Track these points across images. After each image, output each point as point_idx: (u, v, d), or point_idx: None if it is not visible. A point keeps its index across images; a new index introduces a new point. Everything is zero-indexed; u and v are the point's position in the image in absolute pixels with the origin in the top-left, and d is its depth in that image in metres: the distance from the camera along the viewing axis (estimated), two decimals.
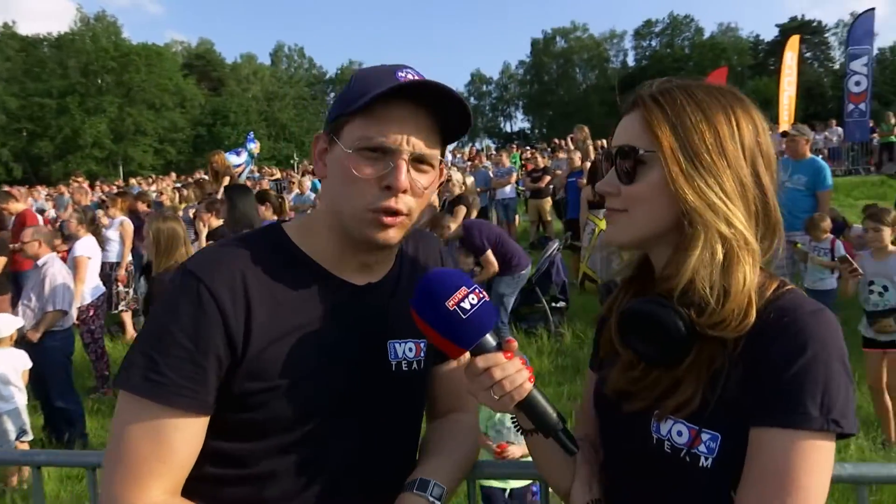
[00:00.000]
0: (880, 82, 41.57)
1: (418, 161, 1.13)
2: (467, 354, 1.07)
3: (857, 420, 0.96)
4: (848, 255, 4.84)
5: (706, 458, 1.00)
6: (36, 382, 5.17)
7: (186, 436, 1.06)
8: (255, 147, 11.51)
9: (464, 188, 8.80)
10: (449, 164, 14.93)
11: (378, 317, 1.21)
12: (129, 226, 8.76)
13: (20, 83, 51.24)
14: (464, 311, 1.03)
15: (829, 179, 6.44)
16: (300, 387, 1.12)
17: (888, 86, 49.67)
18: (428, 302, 1.05)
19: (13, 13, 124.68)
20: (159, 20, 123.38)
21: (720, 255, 0.98)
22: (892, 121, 18.29)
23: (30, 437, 4.72)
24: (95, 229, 7.85)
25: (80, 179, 16.70)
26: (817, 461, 0.93)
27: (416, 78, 1.12)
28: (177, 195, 11.35)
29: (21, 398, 4.58)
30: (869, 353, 4.56)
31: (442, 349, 1.09)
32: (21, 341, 4.89)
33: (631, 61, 68.95)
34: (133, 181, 23.79)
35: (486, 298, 1.06)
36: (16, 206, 8.92)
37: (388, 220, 1.12)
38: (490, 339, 1.06)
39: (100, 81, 53.29)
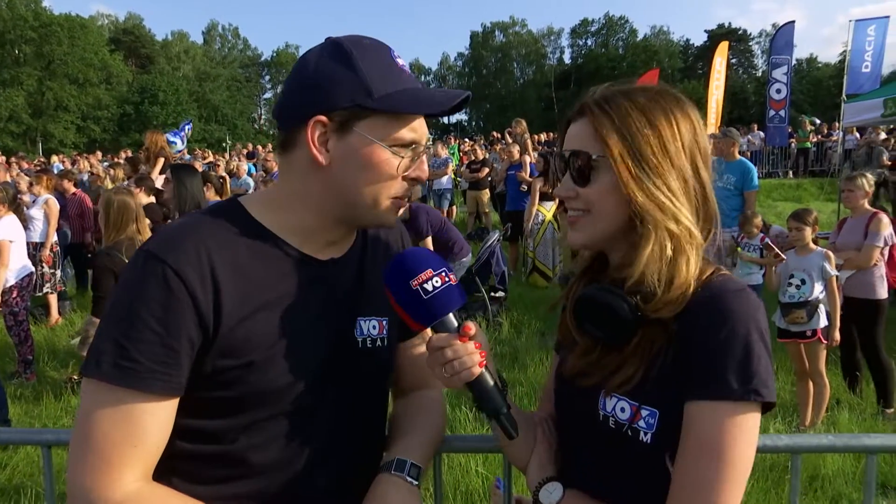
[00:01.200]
0: (797, 91, 43.83)
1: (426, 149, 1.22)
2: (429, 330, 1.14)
3: (774, 390, 1.04)
4: (771, 243, 5.13)
5: (645, 434, 1.08)
6: None
7: (159, 420, 1.06)
8: (189, 130, 11.26)
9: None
10: None
11: (344, 293, 1.24)
12: (55, 204, 8.37)
13: None
14: (426, 291, 1.10)
15: (756, 180, 6.83)
16: (272, 362, 1.13)
17: (804, 95, 52.53)
18: (396, 276, 1.12)
19: None
20: None
21: (669, 251, 1.07)
22: (809, 128, 19.39)
23: None
24: (17, 208, 7.47)
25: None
26: (741, 430, 1.00)
27: (404, 65, 1.18)
28: (107, 176, 10.91)
29: None
30: (787, 344, 4.87)
31: (404, 321, 1.16)
32: None
33: (567, 58, 70.40)
34: (55, 158, 22.62)
35: (452, 283, 1.13)
36: None
37: (402, 203, 1.21)
38: (452, 319, 1.12)
39: (17, 52, 50.15)
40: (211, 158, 20.96)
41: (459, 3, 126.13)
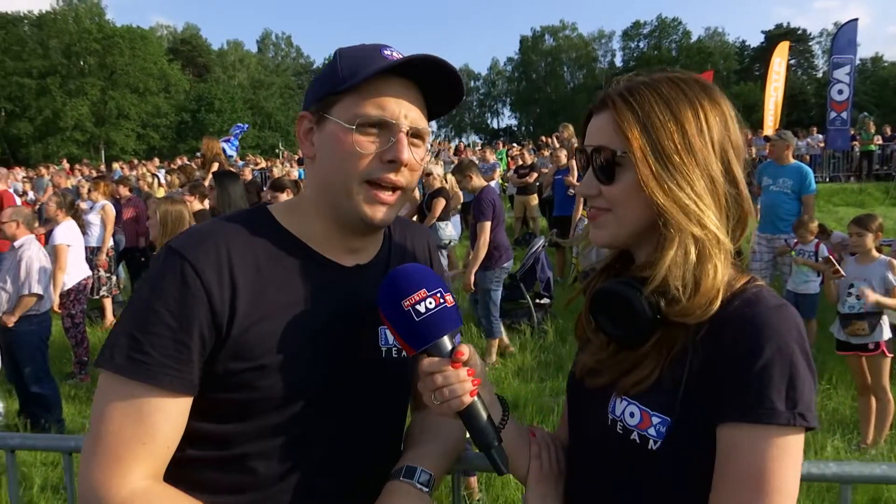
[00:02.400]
0: (860, 92, 42.16)
1: (414, 135, 1.15)
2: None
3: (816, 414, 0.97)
4: (831, 257, 4.90)
5: (655, 442, 1.01)
6: (11, 367, 5.08)
7: (169, 416, 1.05)
8: (243, 131, 11.52)
9: (444, 183, 8.78)
10: (432, 159, 14.95)
11: (368, 301, 1.19)
12: (111, 210, 8.65)
13: None
14: (418, 313, 1.04)
15: (813, 184, 6.56)
16: (285, 367, 1.10)
17: (867, 96, 50.43)
18: (388, 297, 1.07)
19: None
20: (144, 3, 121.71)
21: (693, 256, 1.00)
22: (872, 129, 18.56)
23: (2, 420, 4.64)
24: (75, 213, 7.72)
25: (63, 163, 16.38)
26: (788, 456, 0.94)
27: (403, 56, 1.13)
28: (155, 180, 11.23)
29: None
30: (848, 357, 4.63)
31: (399, 344, 1.10)
32: None
33: (619, 62, 69.34)
34: (116, 165, 23.43)
35: (447, 304, 1.07)
36: None
37: (384, 196, 1.13)
38: (446, 343, 1.07)
39: (82, 63, 52.35)
40: (263, 165, 21.39)
41: (509, 9, 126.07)
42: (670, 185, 1.00)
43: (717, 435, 0.97)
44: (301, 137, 1.19)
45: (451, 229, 8.38)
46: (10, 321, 5.00)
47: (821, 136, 19.88)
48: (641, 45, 67.91)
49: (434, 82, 1.16)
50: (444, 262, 8.38)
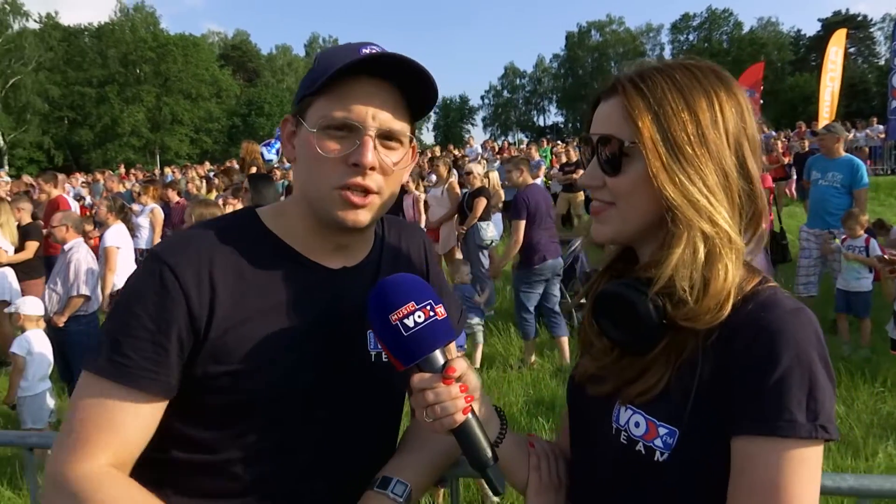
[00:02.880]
0: None
1: (386, 137, 1.11)
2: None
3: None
4: (886, 255, 4.68)
5: (661, 453, 0.95)
6: (63, 366, 5.28)
7: (141, 416, 1.05)
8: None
9: (485, 181, 8.72)
10: (477, 157, 14.81)
11: (356, 304, 1.17)
12: (160, 213, 8.91)
13: (62, 72, 52.49)
14: (406, 327, 1.00)
15: (865, 178, 6.28)
16: (265, 371, 1.09)
17: None
18: (376, 310, 1.04)
19: (56, 4, 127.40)
20: (197, 11, 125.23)
21: (702, 254, 0.94)
22: None
23: (54, 417, 4.82)
24: (125, 217, 7.98)
25: (120, 168, 16.97)
26: (807, 471, 0.88)
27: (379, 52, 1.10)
28: (204, 184, 11.52)
29: None
30: None
31: (389, 359, 1.06)
32: (48, 325, 5.00)
33: (668, 55, 67.67)
34: (168, 170, 24.15)
35: (438, 317, 1.02)
36: (51, 191, 9.14)
37: (356, 199, 1.09)
38: (438, 357, 1.03)
39: (138, 71, 54.20)
40: None
41: (554, 5, 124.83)
42: (681, 177, 0.94)
43: (731, 447, 0.91)
44: (284, 141, 1.19)
45: (492, 229, 8.30)
46: (60, 321, 5.19)
47: (881, 127, 19.00)
48: (691, 37, 66.39)
49: (412, 83, 1.11)
50: (486, 261, 8.33)
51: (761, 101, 16.76)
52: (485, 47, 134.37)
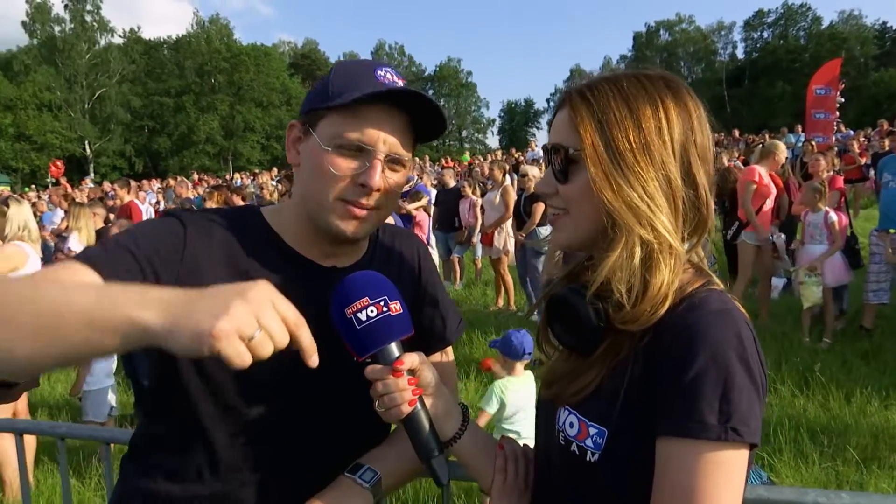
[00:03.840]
0: None
1: (392, 161, 1.17)
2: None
3: (759, 429, 0.89)
4: None
5: (592, 454, 0.97)
6: (127, 362, 5.53)
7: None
8: None
9: None
10: (539, 159, 14.67)
11: None
12: None
13: (143, 84, 55.30)
14: (358, 321, 1.06)
15: None
16: None
17: None
18: (334, 304, 1.09)
19: (138, 19, 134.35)
20: (269, 22, 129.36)
21: (637, 258, 0.95)
22: None
23: (116, 411, 5.06)
24: None
25: (194, 175, 17.73)
26: (720, 474, 0.87)
27: (396, 80, 1.17)
28: (276, 190, 11.90)
29: None
30: None
31: (347, 350, 1.11)
32: None
33: (740, 53, 65.68)
34: (238, 175, 25.04)
35: (391, 312, 1.08)
36: (124, 196, 9.62)
37: (357, 211, 1.16)
38: (393, 350, 1.08)
39: (213, 81, 56.45)
40: None
41: (621, 5, 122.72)
42: (620, 183, 0.95)
43: (656, 450, 0.91)
44: (289, 145, 1.24)
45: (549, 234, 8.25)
46: None
47: None
48: (765, 34, 63.90)
49: (421, 110, 1.17)
50: (541, 267, 8.25)
51: (842, 99, 15.94)
52: (549, 49, 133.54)
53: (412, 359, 1.08)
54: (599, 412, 0.97)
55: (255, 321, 0.85)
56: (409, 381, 1.08)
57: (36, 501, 4.15)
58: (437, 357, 1.38)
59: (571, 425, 1.01)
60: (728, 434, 0.86)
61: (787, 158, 10.39)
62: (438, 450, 1.11)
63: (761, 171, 6.87)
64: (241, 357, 0.83)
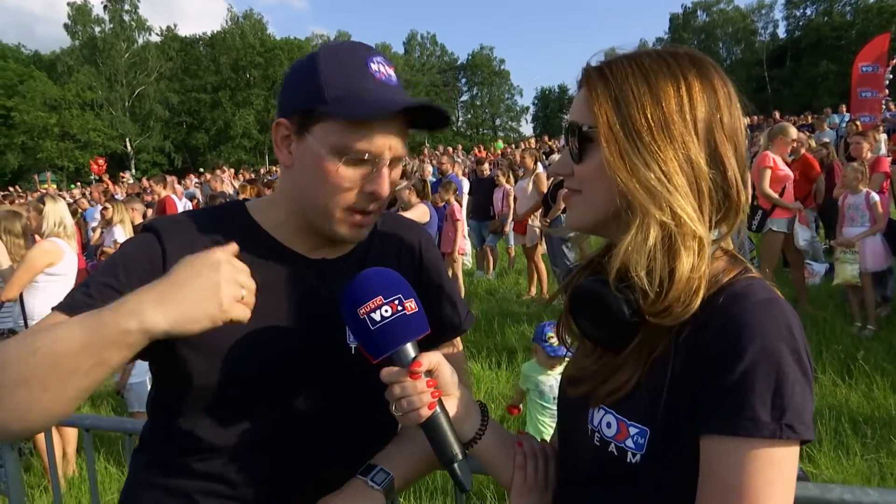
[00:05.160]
0: None
1: (395, 163, 1.15)
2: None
3: (812, 424, 0.84)
4: None
5: (633, 454, 0.91)
6: None
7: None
8: None
9: None
10: (559, 149, 14.46)
11: (333, 295, 1.17)
12: None
13: (180, 80, 56.41)
14: (373, 321, 1.02)
15: None
16: (236, 350, 1.12)
17: None
18: (346, 303, 1.05)
19: (174, 17, 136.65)
20: (302, 15, 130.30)
21: (652, 241, 0.89)
22: None
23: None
24: None
25: (224, 169, 18.01)
26: (775, 473, 0.82)
27: (389, 72, 1.13)
28: None
29: None
30: None
31: (363, 352, 1.07)
32: None
33: (782, 33, 63.73)
34: (274, 168, 25.33)
35: (406, 311, 1.03)
36: (160, 192, 9.80)
37: (362, 219, 1.15)
38: (409, 351, 1.03)
39: (248, 76, 57.22)
40: (409, 163, 22.04)
41: None
42: (636, 162, 0.89)
43: (700, 446, 0.86)
44: (277, 143, 1.17)
45: None
46: None
47: None
48: (808, 12, 61.82)
49: (424, 113, 1.13)
50: (570, 255, 8.17)
51: (891, 76, 15.35)
52: (584, 33, 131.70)
53: (430, 359, 1.04)
54: (640, 411, 0.91)
55: (237, 283, 0.97)
56: (428, 383, 1.03)
57: (79, 488, 4.28)
58: (445, 349, 1.34)
59: (609, 425, 0.95)
60: (783, 431, 0.81)
61: (830, 140, 10.07)
62: (462, 454, 1.05)
63: (774, 157, 6.60)
64: (245, 314, 0.98)
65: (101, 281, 1.09)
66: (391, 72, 1.14)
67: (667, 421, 0.88)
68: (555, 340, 3.41)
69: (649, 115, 0.90)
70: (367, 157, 1.09)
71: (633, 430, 0.91)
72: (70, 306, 1.05)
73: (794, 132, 6.90)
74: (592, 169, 0.96)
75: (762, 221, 6.72)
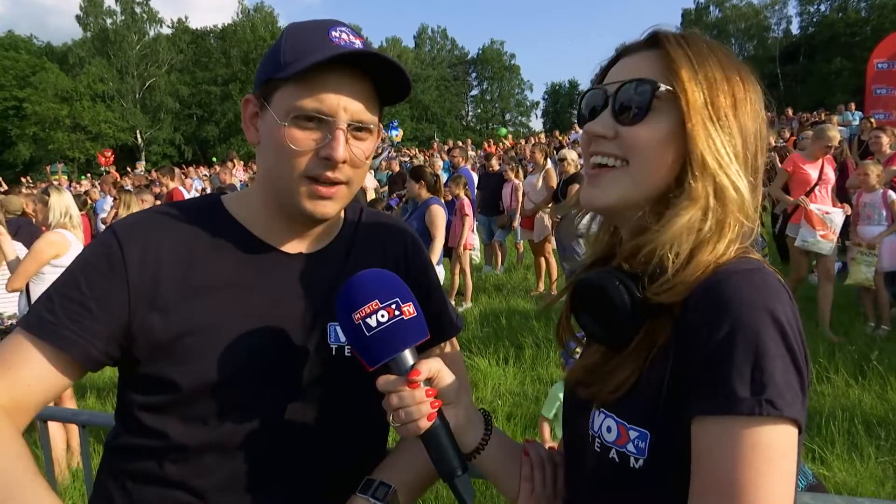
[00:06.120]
0: None
1: (356, 129, 1.08)
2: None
3: (800, 405, 0.77)
4: None
5: (636, 460, 0.85)
6: None
7: (48, 371, 1.03)
8: (397, 135, 11.83)
9: (580, 167, 8.47)
10: (568, 145, 14.46)
11: (316, 293, 1.13)
12: None
13: (191, 73, 56.49)
14: (368, 327, 0.96)
15: None
16: (210, 350, 1.07)
17: None
18: (341, 307, 1.00)
19: (185, 9, 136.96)
20: (313, 8, 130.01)
21: (710, 223, 0.85)
22: None
23: None
24: None
25: (234, 161, 17.99)
26: (762, 459, 0.75)
27: (352, 40, 1.06)
28: None
29: None
30: None
31: (358, 359, 1.01)
32: None
33: (795, 29, 63.10)
34: None
35: (405, 316, 0.97)
36: (169, 184, 9.82)
37: (324, 190, 1.08)
38: (407, 358, 0.98)
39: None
40: (419, 157, 21.96)
41: None
42: (716, 141, 0.87)
43: (691, 434, 0.80)
44: (246, 122, 1.14)
45: (587, 218, 8.05)
46: None
47: None
48: (822, 7, 61.14)
49: (382, 71, 1.07)
50: (580, 250, 8.10)
51: None
52: (593, 29, 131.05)
53: (429, 366, 0.98)
54: (639, 412, 0.86)
55: None
56: (427, 392, 0.97)
57: (83, 481, 4.26)
58: (444, 348, 1.30)
59: (609, 430, 0.89)
60: (763, 407, 0.74)
61: (843, 138, 9.92)
62: (462, 468, 1.00)
63: (798, 158, 6.44)
64: None
65: (65, 294, 1.05)
66: (357, 41, 1.07)
67: (667, 420, 0.83)
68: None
69: (727, 97, 0.89)
70: (318, 115, 1.03)
71: (633, 434, 0.86)
72: (37, 327, 1.03)
73: (832, 134, 6.50)
74: (653, 134, 0.89)
75: (783, 225, 6.63)
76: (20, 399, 1.03)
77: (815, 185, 6.30)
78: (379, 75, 1.08)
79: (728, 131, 0.88)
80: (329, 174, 1.06)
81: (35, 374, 1.03)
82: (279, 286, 1.13)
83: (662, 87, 0.88)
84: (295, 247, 1.17)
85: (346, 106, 1.04)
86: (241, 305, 1.09)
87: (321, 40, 1.04)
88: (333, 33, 1.05)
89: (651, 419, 0.84)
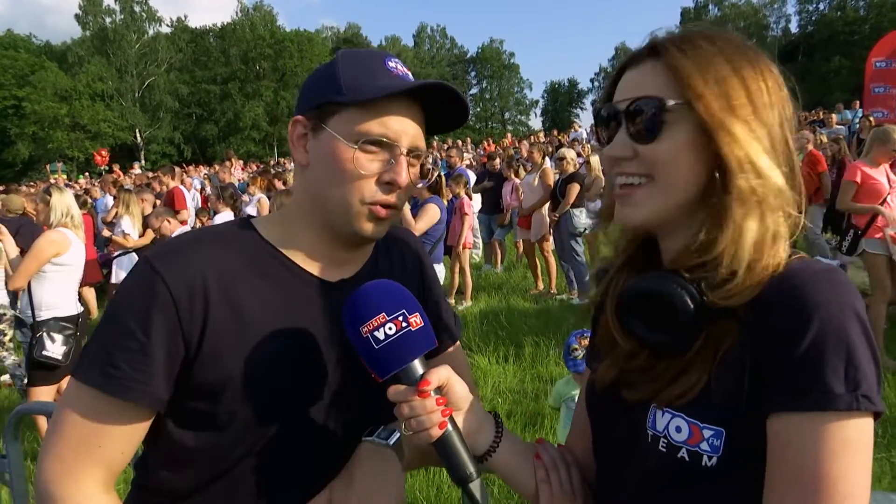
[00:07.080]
0: None
1: (414, 156, 1.12)
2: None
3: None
4: None
5: (709, 458, 0.86)
6: None
7: (132, 430, 1.05)
8: None
9: (578, 167, 8.50)
10: (584, 141, 14.45)
11: None
12: (266, 203, 9.34)
13: (190, 72, 56.40)
14: (377, 340, 0.97)
15: None
16: (260, 382, 1.06)
17: None
18: (348, 322, 1.01)
19: (184, 8, 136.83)
20: (313, 7, 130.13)
21: (768, 223, 0.87)
22: None
23: None
24: (234, 204, 8.42)
25: (232, 160, 17.98)
26: (852, 451, 0.77)
27: (406, 72, 1.12)
28: None
29: None
30: None
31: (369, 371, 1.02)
32: None
33: (794, 28, 63.15)
34: (282, 160, 25.35)
35: (412, 327, 0.98)
36: (169, 183, 9.83)
37: (383, 212, 1.10)
38: (417, 368, 0.99)
39: (257, 67, 57.12)
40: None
41: None
42: (741, 137, 0.86)
43: (767, 427, 0.82)
44: (293, 142, 1.14)
45: (584, 217, 8.09)
46: None
47: None
48: (821, 6, 61.11)
49: (437, 100, 1.11)
50: (579, 249, 8.13)
51: None
52: (593, 28, 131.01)
53: (439, 375, 0.99)
54: (713, 412, 0.86)
55: None
56: (438, 401, 0.98)
57: None
58: (449, 352, 1.32)
59: (679, 429, 0.88)
60: (860, 402, 0.76)
61: (843, 136, 9.92)
62: (476, 473, 1.01)
63: (864, 168, 5.65)
64: None
65: (122, 346, 1.01)
66: (408, 72, 1.13)
67: (745, 418, 0.84)
68: (579, 353, 3.17)
69: (740, 95, 0.88)
70: (383, 141, 1.06)
71: (707, 433, 0.86)
72: (106, 385, 1.01)
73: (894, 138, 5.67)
74: (672, 147, 0.89)
75: (854, 242, 5.78)
76: (118, 469, 1.06)
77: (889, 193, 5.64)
78: (431, 107, 1.12)
79: (749, 126, 0.87)
80: (391, 198, 1.09)
81: (123, 438, 1.04)
82: (324, 315, 1.13)
83: (671, 102, 0.88)
84: (337, 273, 1.17)
85: (407, 132, 1.08)
86: (288, 336, 1.09)
87: (380, 69, 1.08)
88: (390, 63, 1.10)
89: (727, 418, 0.85)
